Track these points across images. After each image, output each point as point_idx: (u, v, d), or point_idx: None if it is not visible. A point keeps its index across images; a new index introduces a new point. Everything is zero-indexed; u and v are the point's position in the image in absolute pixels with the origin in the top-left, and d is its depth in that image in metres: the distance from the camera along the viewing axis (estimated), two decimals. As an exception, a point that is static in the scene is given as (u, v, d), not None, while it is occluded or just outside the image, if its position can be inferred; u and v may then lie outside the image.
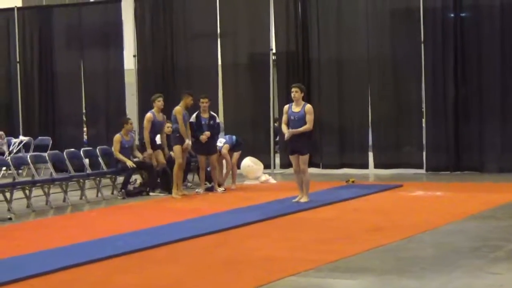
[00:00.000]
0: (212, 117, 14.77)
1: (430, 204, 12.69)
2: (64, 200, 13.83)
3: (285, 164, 17.64)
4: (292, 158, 12.78)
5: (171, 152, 14.87)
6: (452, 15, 17.14)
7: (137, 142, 15.83)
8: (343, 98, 17.99)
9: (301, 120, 12.53)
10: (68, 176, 14.22)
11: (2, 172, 17.77)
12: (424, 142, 17.25)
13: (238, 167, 16.23)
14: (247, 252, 9.02)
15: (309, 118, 12.53)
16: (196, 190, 14.90)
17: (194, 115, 14.71)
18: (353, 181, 15.73)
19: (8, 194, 12.81)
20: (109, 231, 10.57)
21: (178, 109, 14.39)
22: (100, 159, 15.17)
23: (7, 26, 20.55)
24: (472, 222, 10.72)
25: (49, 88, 20.20)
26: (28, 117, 20.34)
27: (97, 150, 15.30)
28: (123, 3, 19.57)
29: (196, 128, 14.60)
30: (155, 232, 10.46)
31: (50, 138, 19.23)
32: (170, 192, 14.47)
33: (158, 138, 15.10)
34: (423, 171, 17.15)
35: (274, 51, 18.53)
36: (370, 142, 17.87)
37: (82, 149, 15.64)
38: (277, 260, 8.44)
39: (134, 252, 8.99)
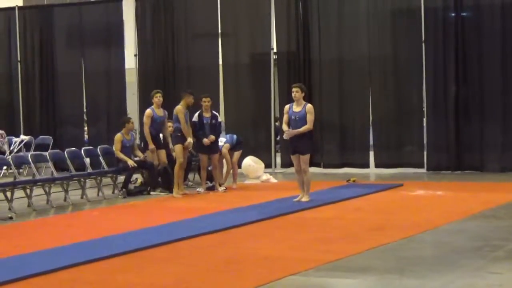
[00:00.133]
0: (214, 116, 14.81)
1: (431, 203, 12.69)
2: (65, 200, 13.83)
3: (286, 164, 17.64)
4: (293, 158, 12.79)
5: (172, 152, 14.88)
6: (453, 14, 17.14)
7: (138, 141, 15.84)
8: (344, 97, 17.99)
9: (302, 120, 12.53)
10: (69, 176, 14.22)
11: (3, 171, 17.79)
12: (425, 141, 17.26)
13: (239, 166, 16.23)
14: (248, 252, 9.02)
15: (310, 118, 12.53)
16: (197, 189, 14.90)
17: (196, 114, 14.73)
18: (354, 181, 15.73)
19: (9, 193, 12.81)
20: (110, 231, 10.57)
21: (179, 108, 14.40)
22: (101, 158, 15.17)
23: (8, 25, 20.56)
24: (473, 221, 10.71)
25: (50, 87, 20.22)
26: (29, 116, 20.35)
27: (98, 149, 15.31)
28: (124, 2, 19.59)
29: (198, 127, 14.62)
30: (155, 231, 10.46)
31: (51, 137, 19.26)
32: (171, 191, 14.48)
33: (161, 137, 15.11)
34: (424, 170, 17.16)
35: (275, 50, 18.54)
36: (371, 142, 17.88)
37: (83, 148, 15.64)
38: (278, 260, 8.44)
39: (134, 251, 8.98)
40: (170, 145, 14.97)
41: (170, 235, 9.89)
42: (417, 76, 17.32)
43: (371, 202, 13.01)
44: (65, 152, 14.80)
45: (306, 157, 12.66)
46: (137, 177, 15.61)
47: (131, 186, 14.97)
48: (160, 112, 14.95)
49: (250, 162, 16.57)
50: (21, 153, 17.42)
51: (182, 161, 14.37)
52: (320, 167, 17.92)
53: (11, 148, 18.68)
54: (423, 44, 17.16)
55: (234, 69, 18.91)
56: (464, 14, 17.12)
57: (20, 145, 18.86)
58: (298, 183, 12.90)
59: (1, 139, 18.80)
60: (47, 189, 13.50)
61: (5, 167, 17.06)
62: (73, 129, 20.13)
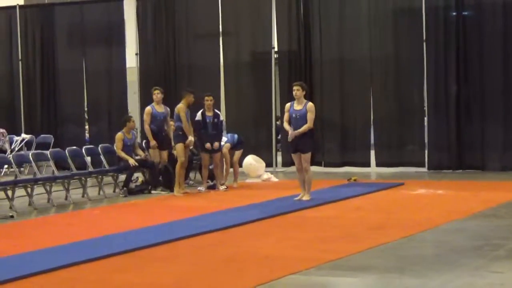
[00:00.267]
0: (216, 115, 14.83)
1: (431, 202, 12.69)
2: (66, 198, 13.83)
3: (287, 162, 17.65)
4: (294, 156, 12.79)
5: (173, 151, 14.88)
6: (454, 14, 17.14)
7: (139, 140, 15.84)
8: (345, 96, 17.99)
9: (303, 118, 12.53)
10: (70, 174, 14.23)
11: (4, 170, 17.79)
12: (426, 140, 17.26)
13: (240, 165, 16.23)
14: (249, 251, 9.02)
15: (310, 116, 12.53)
16: (198, 188, 14.90)
17: (199, 113, 14.75)
18: (355, 180, 15.73)
19: (10, 192, 12.82)
20: (110, 229, 10.57)
21: (181, 107, 14.41)
22: (102, 157, 15.18)
23: (9, 24, 20.56)
24: (474, 220, 10.72)
25: (51, 86, 20.21)
26: (30, 115, 20.36)
27: (99, 148, 15.31)
28: (125, 1, 19.58)
29: (202, 126, 14.64)
30: (156, 230, 10.46)
31: (52, 136, 19.28)
32: (172, 190, 14.48)
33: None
34: (425, 169, 17.16)
35: (276, 49, 18.54)
36: (372, 141, 17.88)
37: (84, 147, 15.64)
38: (279, 259, 8.44)
39: (135, 250, 8.98)
40: (172, 143, 14.97)
41: (170, 234, 9.89)
42: (418, 75, 17.32)
43: (372, 201, 13.01)
44: (66, 151, 14.81)
45: (308, 155, 12.66)
46: (138, 176, 15.61)
47: (132, 185, 14.98)
48: (161, 108, 14.96)
49: (251, 161, 16.57)
50: (22, 152, 17.45)
51: (183, 160, 14.37)
52: (321, 166, 17.92)
53: (12, 147, 18.70)
54: (424, 44, 17.15)
55: (235, 68, 18.91)
56: (466, 13, 17.12)
57: (21, 144, 18.88)
58: (299, 182, 12.90)
59: (2, 138, 18.81)
60: (48, 188, 13.51)
61: (6, 166, 17.07)
62: (74, 128, 20.13)
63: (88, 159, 15.19)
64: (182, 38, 19.24)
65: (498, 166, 16.67)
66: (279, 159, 18.44)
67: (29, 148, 18.45)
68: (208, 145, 14.54)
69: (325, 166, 17.98)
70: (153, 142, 14.76)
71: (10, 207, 12.64)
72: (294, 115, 12.62)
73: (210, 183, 15.01)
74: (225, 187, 14.90)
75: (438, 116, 17.13)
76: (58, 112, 20.16)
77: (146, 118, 14.86)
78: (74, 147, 15.39)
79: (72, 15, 20.25)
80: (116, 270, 8.15)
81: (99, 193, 14.59)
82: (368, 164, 17.72)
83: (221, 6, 18.78)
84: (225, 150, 15.30)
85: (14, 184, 13.02)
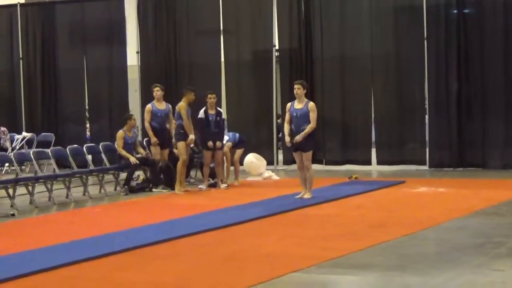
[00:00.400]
0: (218, 113, 14.83)
1: (432, 200, 12.69)
2: (67, 196, 13.84)
3: (288, 161, 17.67)
4: (296, 155, 12.79)
5: (174, 150, 14.88)
6: (455, 11, 17.15)
7: (140, 138, 15.84)
8: (346, 95, 18.00)
9: (304, 117, 12.52)
10: (71, 172, 14.22)
11: (5, 168, 17.79)
12: (427, 138, 17.27)
13: (241, 164, 16.23)
14: (250, 249, 9.02)
15: (313, 116, 12.52)
16: (199, 186, 14.91)
17: (202, 111, 14.75)
18: (356, 178, 15.73)
19: (11, 190, 12.82)
20: (111, 227, 10.57)
21: (182, 105, 14.40)
22: (103, 155, 15.18)
23: (10, 22, 20.56)
24: (475, 218, 10.71)
25: (52, 85, 20.22)
26: (31, 114, 20.36)
27: (100, 146, 15.32)
28: (126, 0, 19.58)
29: (204, 124, 14.64)
30: (157, 228, 10.46)
31: (53, 134, 19.27)
32: (173, 188, 14.48)
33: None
34: (426, 167, 17.17)
35: (277, 47, 18.53)
36: (373, 139, 17.88)
37: (85, 145, 15.65)
38: (280, 256, 8.44)
39: (136, 248, 8.98)
40: (173, 140, 14.96)
41: (171, 232, 9.89)
42: (419, 73, 17.32)
43: (373, 199, 13.01)
44: (67, 149, 14.80)
45: (309, 154, 12.66)
46: (139, 174, 15.61)
47: (133, 183, 14.98)
48: (162, 105, 14.97)
49: (252, 159, 16.57)
50: (23, 150, 17.42)
51: (185, 158, 14.37)
52: (322, 164, 17.93)
53: (13, 145, 18.70)
54: (425, 42, 17.15)
55: (236, 66, 18.91)
56: (466, 11, 17.13)
57: (22, 142, 18.87)
58: (300, 180, 12.90)
59: (3, 136, 18.81)
60: (49, 186, 13.50)
61: (7, 164, 17.06)
62: (75, 126, 20.13)
63: (89, 157, 15.20)
64: (183, 36, 19.24)
65: (499, 164, 16.67)
66: (280, 157, 18.45)
67: (30, 147, 18.45)
68: (210, 143, 14.56)
69: (326, 164, 17.99)
70: (153, 139, 14.77)
71: (11, 205, 12.63)
72: (295, 114, 12.61)
73: (211, 181, 15.01)
74: (226, 185, 14.90)
75: (439, 114, 17.13)
76: (59, 110, 20.17)
77: (146, 115, 14.91)
78: (75, 145, 15.38)
79: (73, 13, 20.25)
80: (117, 268, 8.15)
81: (100, 191, 14.60)
82: (369, 162, 17.72)
83: (222, 4, 18.78)
84: (226, 149, 15.30)
85: (15, 182, 13.02)
